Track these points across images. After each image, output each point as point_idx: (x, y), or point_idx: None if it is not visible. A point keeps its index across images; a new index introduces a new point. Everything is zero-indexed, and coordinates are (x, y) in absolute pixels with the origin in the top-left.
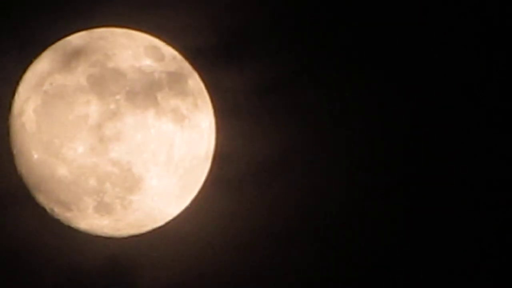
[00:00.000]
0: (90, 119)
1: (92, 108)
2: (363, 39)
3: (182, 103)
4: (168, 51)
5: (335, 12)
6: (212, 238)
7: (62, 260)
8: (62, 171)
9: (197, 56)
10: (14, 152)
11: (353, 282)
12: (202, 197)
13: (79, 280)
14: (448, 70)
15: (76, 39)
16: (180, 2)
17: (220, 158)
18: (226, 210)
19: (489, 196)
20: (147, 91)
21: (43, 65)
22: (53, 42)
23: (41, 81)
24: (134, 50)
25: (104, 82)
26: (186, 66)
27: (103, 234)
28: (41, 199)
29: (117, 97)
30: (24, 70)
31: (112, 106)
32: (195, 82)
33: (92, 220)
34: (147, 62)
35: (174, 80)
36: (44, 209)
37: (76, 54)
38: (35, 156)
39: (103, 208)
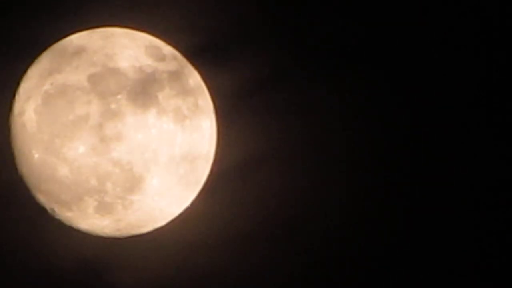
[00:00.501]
0: (91, 119)
1: (93, 108)
2: (362, 38)
3: (183, 103)
4: (169, 51)
5: (334, 10)
6: (213, 238)
7: (62, 260)
8: (62, 171)
9: (199, 56)
10: (15, 152)
11: (353, 282)
12: (203, 197)
13: (79, 280)
14: (442, 69)
15: (77, 39)
16: (181, 1)
17: (221, 158)
18: (227, 210)
19: (489, 196)
20: (148, 91)
21: (43, 65)
22: (53, 42)
23: (42, 81)
24: (135, 50)
25: (105, 82)
26: (187, 66)
27: (103, 234)
28: (42, 199)
29: (118, 97)
30: (24, 69)
31: (113, 106)
32: (196, 82)
33: (93, 220)
34: (148, 62)
35: (175, 80)
36: (44, 209)
37: (77, 54)
38: (36, 156)
39: (103, 208)
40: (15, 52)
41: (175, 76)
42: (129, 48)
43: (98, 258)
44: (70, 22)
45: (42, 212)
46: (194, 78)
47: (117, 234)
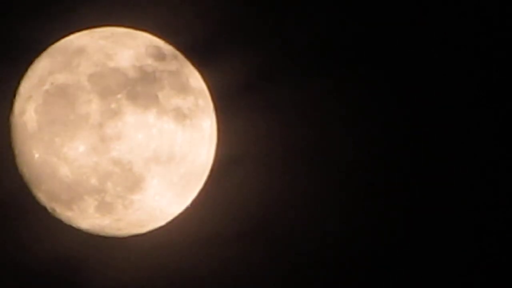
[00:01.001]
0: (91, 119)
1: (93, 107)
2: (361, 37)
3: (183, 103)
4: (170, 50)
5: (333, 9)
6: (214, 237)
7: (63, 260)
8: (63, 170)
9: (199, 56)
10: (15, 151)
11: (353, 282)
12: (203, 197)
13: (80, 280)
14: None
15: (77, 38)
16: (181, 1)
17: (221, 157)
18: (228, 209)
19: (489, 196)
20: (148, 90)
21: (44, 64)
22: (54, 42)
23: (42, 80)
24: (135, 49)
25: (105, 81)
26: (188, 66)
27: (104, 234)
28: (42, 198)
29: (118, 96)
30: (25, 69)
31: (113, 106)
32: (196, 81)
33: (93, 220)
34: (148, 62)
35: (176, 80)
36: (45, 209)
37: (77, 53)
38: (36, 155)
39: (104, 207)
40: (16, 52)
41: (176, 75)
42: (130, 48)
43: (99, 258)
44: (71, 22)
45: (42, 212)
46: (194, 77)
47: (117, 233)
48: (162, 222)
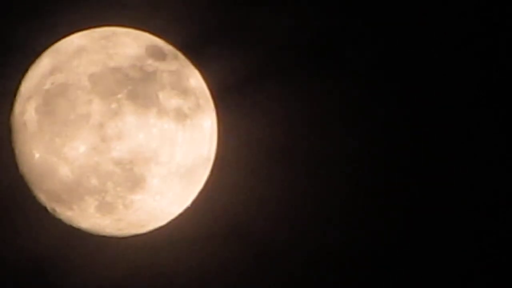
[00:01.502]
0: (92, 119)
1: (94, 107)
2: (362, 35)
3: (184, 103)
4: (170, 50)
5: (333, 7)
6: (214, 237)
7: (63, 260)
8: (63, 170)
9: (199, 55)
10: (16, 151)
11: (353, 282)
12: (204, 197)
13: (80, 280)
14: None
15: (78, 38)
16: (182, 1)
17: (222, 157)
18: (228, 209)
19: (489, 196)
20: (148, 90)
21: (44, 64)
22: (54, 41)
23: (43, 80)
24: (136, 49)
25: (105, 81)
26: (188, 65)
27: (104, 234)
28: (42, 198)
29: (119, 96)
30: (25, 69)
31: (114, 106)
32: (197, 81)
33: (94, 220)
34: (149, 61)
35: (176, 79)
36: (45, 209)
37: (78, 53)
38: (37, 155)
39: (104, 207)
40: (16, 52)
41: (176, 75)
42: (130, 48)
43: (99, 258)
44: (71, 22)
45: (42, 212)
46: (195, 77)
47: (118, 233)
48: (162, 222)
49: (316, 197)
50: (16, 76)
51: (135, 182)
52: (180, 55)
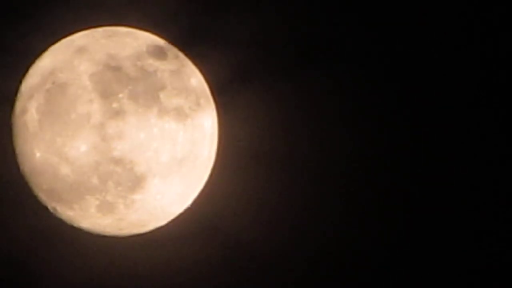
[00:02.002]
0: (93, 118)
1: (95, 106)
2: (362, 36)
3: (185, 102)
4: (171, 50)
5: (333, 6)
6: (215, 237)
7: (64, 259)
8: (64, 170)
9: (200, 55)
10: (17, 151)
11: (354, 282)
12: (204, 196)
13: (81, 279)
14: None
15: (79, 38)
16: (183, 1)
17: (223, 157)
18: (229, 209)
19: (489, 196)
20: (149, 90)
21: (45, 63)
22: (55, 41)
23: (44, 79)
24: (137, 49)
25: (106, 81)
26: (189, 65)
27: (105, 233)
28: (43, 198)
29: (120, 96)
30: (26, 68)
31: (115, 105)
32: (197, 81)
33: (95, 219)
34: (150, 61)
35: (177, 79)
36: (46, 208)
37: (79, 52)
38: (38, 154)
39: (105, 207)
40: (17, 51)
41: (177, 75)
42: (131, 47)
43: (100, 257)
44: (73, 21)
45: (43, 211)
46: (195, 77)
47: (118, 233)
48: (163, 222)
49: (316, 197)
50: (17, 76)
51: (135, 181)
52: (180, 55)
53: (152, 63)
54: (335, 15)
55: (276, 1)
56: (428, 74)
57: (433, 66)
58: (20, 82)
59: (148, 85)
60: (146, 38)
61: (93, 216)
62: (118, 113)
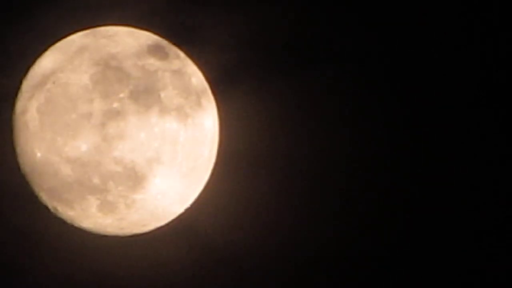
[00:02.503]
0: (94, 118)
1: (96, 106)
2: (362, 35)
3: (185, 102)
4: (172, 49)
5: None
6: (215, 236)
7: (65, 259)
8: (65, 169)
9: (201, 55)
10: (17, 150)
11: (354, 282)
12: (205, 196)
13: (81, 279)
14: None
15: (80, 37)
16: (184, 1)
17: (223, 157)
18: (230, 209)
19: (489, 196)
20: (150, 89)
21: (46, 63)
22: (56, 41)
23: (45, 79)
24: (138, 48)
25: (107, 80)
26: (190, 65)
27: (106, 233)
28: (44, 197)
29: (121, 95)
30: (27, 68)
31: (116, 105)
32: (198, 80)
33: (95, 219)
34: (151, 61)
35: (178, 79)
36: (47, 208)
37: (80, 52)
38: (38, 154)
39: (106, 206)
40: (18, 51)
41: (178, 74)
42: (132, 47)
43: (101, 257)
44: (74, 21)
45: (44, 211)
46: (196, 76)
47: (119, 233)
48: (164, 222)
49: (316, 197)
50: (18, 76)
51: (136, 181)
52: (181, 54)
53: (153, 63)
54: (335, 15)
55: (276, 1)
56: (428, 74)
57: (433, 66)
58: (21, 82)
59: (149, 85)
60: (147, 38)
61: (94, 215)
62: (119, 113)
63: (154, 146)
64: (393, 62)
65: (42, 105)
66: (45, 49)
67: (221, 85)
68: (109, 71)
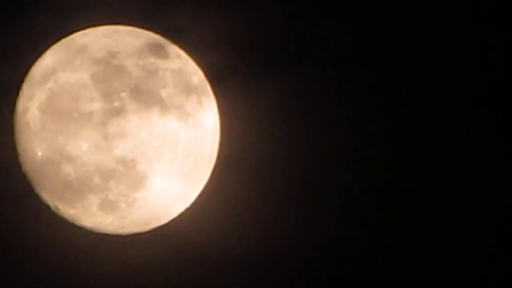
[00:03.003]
0: (94, 117)
1: (96, 105)
2: (363, 34)
3: (186, 101)
4: (172, 48)
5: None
6: (216, 236)
7: (66, 258)
8: (66, 168)
9: (201, 54)
10: (18, 149)
11: (354, 282)
12: (206, 195)
13: (82, 278)
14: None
15: (81, 36)
16: (185, 0)
17: (224, 156)
18: (230, 208)
19: (489, 196)
20: (151, 88)
21: (47, 62)
22: (57, 40)
23: (46, 78)
24: (138, 47)
25: (108, 79)
26: (190, 64)
27: (107, 232)
28: (45, 196)
29: (122, 94)
30: (28, 67)
31: (116, 104)
32: (199, 79)
33: (96, 218)
34: (151, 60)
35: (178, 78)
36: (48, 207)
37: (80, 51)
38: (39, 153)
39: (107, 205)
40: (19, 50)
41: (179, 73)
42: (133, 46)
43: (101, 256)
44: (75, 20)
45: (45, 210)
46: (197, 75)
47: (120, 231)
48: (164, 221)
49: (316, 197)
50: (19, 75)
51: (137, 180)
52: (182, 53)
53: (154, 62)
54: (335, 15)
55: (276, 1)
56: (428, 74)
57: (433, 66)
58: (22, 81)
59: (150, 84)
60: (147, 37)
61: (95, 214)
62: (119, 112)
63: (154, 145)
64: (393, 62)
65: (43, 104)
66: (46, 48)
67: (222, 84)
68: (110, 70)
